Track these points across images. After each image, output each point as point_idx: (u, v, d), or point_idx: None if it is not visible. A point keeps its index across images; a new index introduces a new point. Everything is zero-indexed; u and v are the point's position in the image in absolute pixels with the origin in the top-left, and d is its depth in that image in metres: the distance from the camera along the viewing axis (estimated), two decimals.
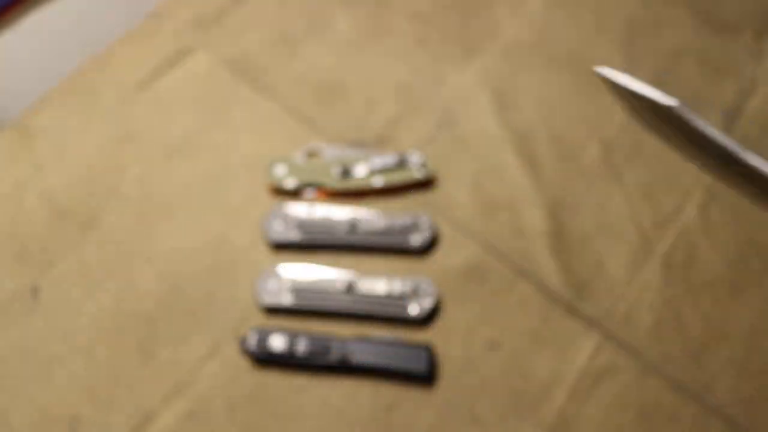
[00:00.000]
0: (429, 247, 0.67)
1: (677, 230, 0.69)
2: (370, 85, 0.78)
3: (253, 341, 0.59)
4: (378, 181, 0.69)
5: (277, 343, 0.59)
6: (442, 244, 0.67)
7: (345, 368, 0.60)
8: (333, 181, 0.69)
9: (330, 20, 0.82)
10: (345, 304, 0.62)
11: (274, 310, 0.63)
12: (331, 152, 0.71)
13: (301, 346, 0.59)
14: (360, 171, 0.69)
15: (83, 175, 0.70)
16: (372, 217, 0.67)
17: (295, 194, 0.69)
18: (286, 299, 0.62)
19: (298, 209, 0.67)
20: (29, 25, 0.79)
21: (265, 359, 0.60)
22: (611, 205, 0.70)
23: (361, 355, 0.59)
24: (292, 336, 0.60)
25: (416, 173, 0.69)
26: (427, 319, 0.63)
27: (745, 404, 0.60)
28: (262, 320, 0.63)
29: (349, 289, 0.63)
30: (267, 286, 0.63)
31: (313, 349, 0.59)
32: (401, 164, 0.70)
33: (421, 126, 0.75)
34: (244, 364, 0.61)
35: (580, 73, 0.80)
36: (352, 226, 0.66)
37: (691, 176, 0.72)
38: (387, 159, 0.69)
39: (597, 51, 0.81)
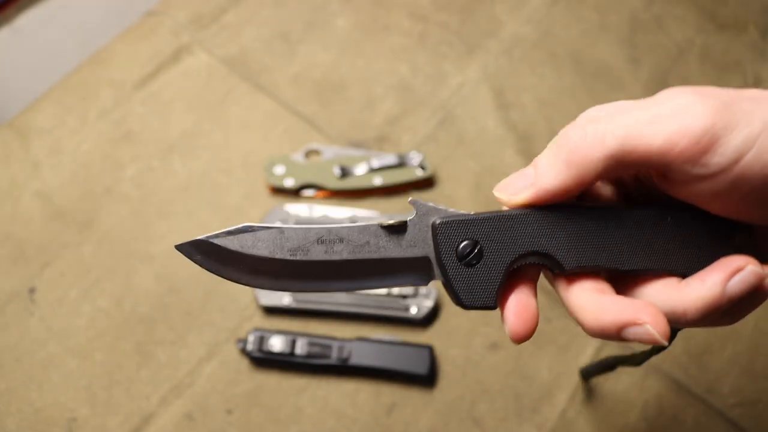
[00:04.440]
0: None
1: None
2: (369, 83, 0.77)
3: (252, 342, 0.59)
4: (378, 181, 0.68)
5: (277, 343, 0.59)
6: None
7: (345, 369, 0.59)
8: (332, 180, 0.68)
9: (329, 18, 0.82)
10: (345, 304, 0.62)
11: (273, 311, 0.62)
12: (331, 152, 0.70)
13: (301, 347, 0.59)
14: (360, 170, 0.69)
15: (80, 175, 0.69)
16: (372, 217, 0.66)
17: (294, 194, 0.69)
18: (286, 300, 0.62)
19: (298, 209, 0.66)
20: (26, 24, 0.78)
21: (264, 360, 0.59)
22: None
23: (360, 356, 0.59)
24: (292, 337, 0.59)
25: (416, 173, 0.69)
26: (428, 319, 0.62)
27: (749, 406, 0.59)
28: (261, 321, 0.62)
29: None
30: None
31: (313, 350, 0.59)
32: (401, 164, 0.69)
33: (421, 125, 0.74)
34: (243, 365, 0.60)
35: (581, 71, 0.79)
36: None
37: None
38: (387, 159, 0.69)
39: (599, 48, 0.81)
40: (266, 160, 0.70)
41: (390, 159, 0.69)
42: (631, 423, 0.59)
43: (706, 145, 0.25)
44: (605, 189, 0.33)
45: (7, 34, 0.77)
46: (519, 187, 0.30)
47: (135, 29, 0.79)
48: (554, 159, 0.29)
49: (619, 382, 0.60)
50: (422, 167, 0.69)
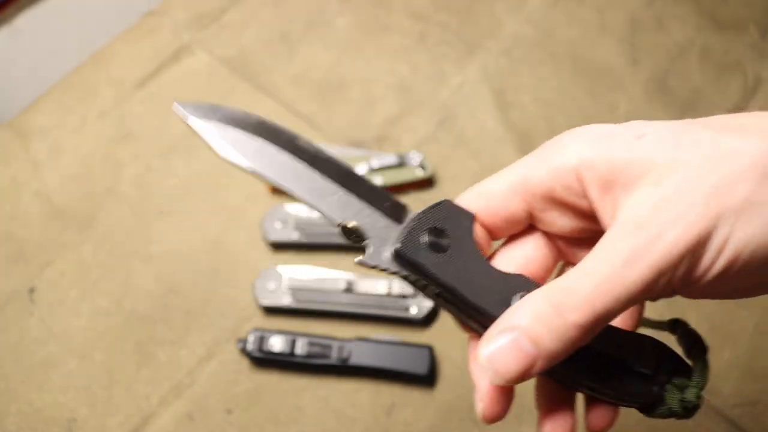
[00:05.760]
0: None
1: None
2: (369, 83, 0.77)
3: (252, 342, 0.59)
4: (378, 181, 0.68)
5: (277, 343, 0.59)
6: None
7: (345, 369, 0.59)
8: None
9: (329, 18, 0.82)
10: (345, 304, 0.62)
11: (273, 311, 0.62)
12: (331, 152, 0.70)
13: (301, 347, 0.59)
14: (359, 170, 0.69)
15: (80, 175, 0.69)
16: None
17: None
18: (286, 300, 0.62)
19: (298, 209, 0.66)
20: (26, 24, 0.78)
21: (264, 360, 0.59)
22: None
23: (360, 356, 0.59)
24: (292, 337, 0.59)
25: (416, 173, 0.69)
26: (428, 319, 0.62)
27: (749, 407, 0.59)
28: (261, 321, 0.62)
29: (349, 289, 0.62)
30: (266, 286, 0.62)
31: (313, 350, 0.59)
32: (401, 164, 0.69)
33: (421, 125, 0.74)
34: (243, 365, 0.60)
35: (581, 71, 0.79)
36: None
37: None
38: (387, 158, 0.69)
39: (599, 49, 0.81)
40: None
41: (390, 159, 0.69)
42: (631, 423, 0.59)
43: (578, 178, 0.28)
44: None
45: (7, 34, 0.77)
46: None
47: (135, 29, 0.79)
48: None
49: None
50: (422, 167, 0.69)
